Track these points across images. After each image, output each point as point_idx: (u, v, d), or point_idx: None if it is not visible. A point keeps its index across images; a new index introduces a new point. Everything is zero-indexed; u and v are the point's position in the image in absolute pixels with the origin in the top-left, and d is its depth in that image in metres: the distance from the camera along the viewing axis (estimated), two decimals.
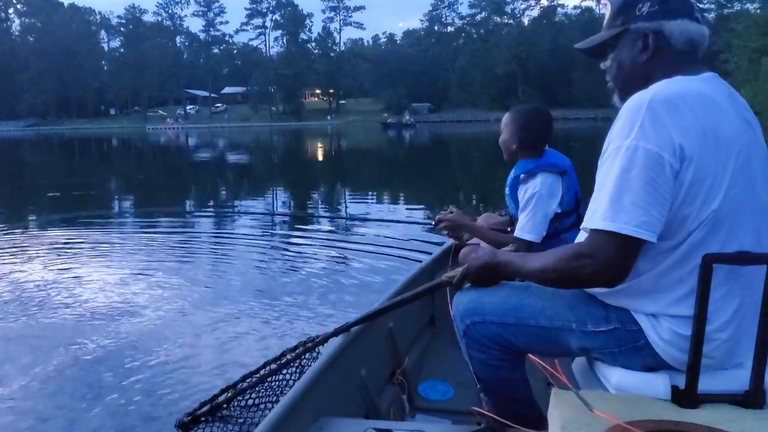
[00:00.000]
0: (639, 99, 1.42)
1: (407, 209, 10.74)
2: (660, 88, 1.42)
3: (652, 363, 1.51)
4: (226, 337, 4.21)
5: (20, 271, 6.13)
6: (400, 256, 6.53)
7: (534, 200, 2.59)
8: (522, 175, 2.66)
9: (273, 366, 2.13)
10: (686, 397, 1.42)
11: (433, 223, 2.89)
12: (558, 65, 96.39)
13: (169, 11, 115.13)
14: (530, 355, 1.76)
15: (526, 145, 2.69)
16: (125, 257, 6.80)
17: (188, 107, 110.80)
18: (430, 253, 3.62)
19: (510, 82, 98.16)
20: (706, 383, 1.42)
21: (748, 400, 1.42)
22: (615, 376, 1.54)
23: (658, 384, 1.48)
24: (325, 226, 8.96)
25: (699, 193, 1.37)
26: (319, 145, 40.13)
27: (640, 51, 1.56)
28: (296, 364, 2.07)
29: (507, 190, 2.78)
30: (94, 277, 5.86)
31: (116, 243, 7.69)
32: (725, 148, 1.38)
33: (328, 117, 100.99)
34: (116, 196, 14.46)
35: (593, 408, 1.34)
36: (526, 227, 2.60)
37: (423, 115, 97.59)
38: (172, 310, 4.78)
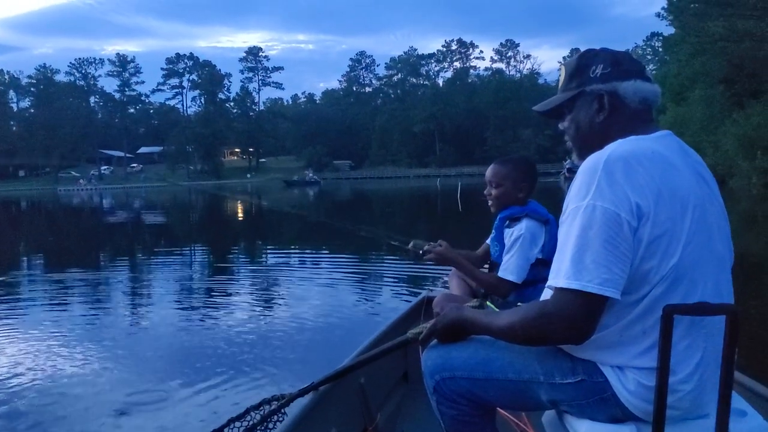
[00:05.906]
0: (595, 160, 1.47)
1: (334, 260, 10.67)
2: (614, 149, 1.48)
3: (619, 414, 1.53)
4: (174, 400, 4.02)
5: None
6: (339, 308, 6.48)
7: (519, 243, 2.70)
8: (507, 220, 2.78)
9: (237, 424, 2.05)
10: None
11: (421, 252, 2.89)
12: (472, 124, 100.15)
13: (83, 71, 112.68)
14: (500, 410, 1.76)
15: (529, 192, 2.84)
16: (30, 325, 6.30)
17: (103, 168, 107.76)
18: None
19: (427, 140, 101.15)
20: None
21: None
22: (583, 428, 1.55)
23: None
24: (253, 282, 8.76)
25: (658, 249, 1.42)
26: (238, 202, 39.63)
27: (596, 111, 1.64)
28: (262, 427, 2.00)
29: (493, 233, 2.89)
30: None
31: (20, 311, 7.16)
32: (680, 204, 1.44)
33: (248, 175, 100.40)
34: (22, 259, 13.64)
35: None
36: (510, 268, 2.70)
37: (344, 172, 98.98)
38: (94, 381, 4.49)
